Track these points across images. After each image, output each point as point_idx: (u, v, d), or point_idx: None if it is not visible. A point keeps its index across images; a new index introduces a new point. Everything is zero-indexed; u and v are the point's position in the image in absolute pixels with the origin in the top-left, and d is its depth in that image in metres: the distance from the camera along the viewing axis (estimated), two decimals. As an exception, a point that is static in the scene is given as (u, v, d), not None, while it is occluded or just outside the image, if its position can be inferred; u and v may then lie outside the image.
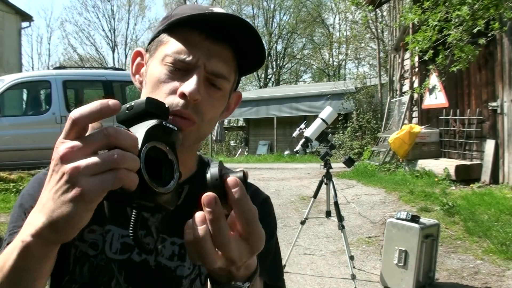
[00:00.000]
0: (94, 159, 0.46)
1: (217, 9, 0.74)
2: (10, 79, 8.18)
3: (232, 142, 21.37)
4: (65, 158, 0.46)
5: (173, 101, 0.72)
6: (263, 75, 32.57)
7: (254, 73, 32.49)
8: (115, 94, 8.51)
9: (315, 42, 31.96)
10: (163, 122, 0.54)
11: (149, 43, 0.81)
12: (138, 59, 0.85)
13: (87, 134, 0.48)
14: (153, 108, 0.55)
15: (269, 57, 32.14)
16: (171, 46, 0.75)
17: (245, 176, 0.52)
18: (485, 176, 6.83)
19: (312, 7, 30.78)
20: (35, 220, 0.48)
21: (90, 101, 0.50)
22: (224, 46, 0.75)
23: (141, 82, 0.82)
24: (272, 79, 32.63)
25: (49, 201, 0.47)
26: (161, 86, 0.74)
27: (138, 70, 0.84)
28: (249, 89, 29.62)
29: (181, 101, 0.72)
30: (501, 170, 6.67)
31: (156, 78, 0.75)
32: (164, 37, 0.77)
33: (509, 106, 6.52)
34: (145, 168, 0.49)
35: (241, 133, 20.80)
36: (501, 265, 3.84)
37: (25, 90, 9.12)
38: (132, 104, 0.54)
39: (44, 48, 71.17)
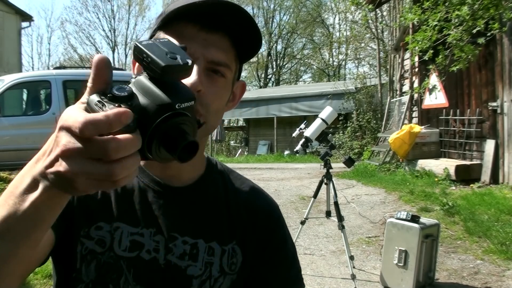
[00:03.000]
0: (91, 168, 0.44)
1: None
2: (10, 79, 8.17)
3: (232, 142, 21.37)
4: (64, 154, 0.44)
5: None
6: (263, 75, 32.57)
7: (254, 73, 32.53)
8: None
9: (315, 42, 31.99)
10: (176, 106, 0.49)
11: None
12: None
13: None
14: (169, 77, 0.50)
15: (269, 57, 32.14)
16: None
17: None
18: (485, 176, 6.83)
19: (312, 7, 30.80)
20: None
21: None
22: (220, 35, 0.74)
23: None
24: (272, 79, 32.64)
25: (45, 175, 0.46)
26: None
27: (139, 71, 0.83)
28: (249, 89, 29.51)
29: None
30: (501, 170, 6.67)
31: None
32: (160, 34, 0.76)
33: (509, 106, 6.52)
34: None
35: (241, 133, 20.80)
36: (501, 265, 3.84)
37: (25, 90, 9.11)
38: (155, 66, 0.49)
39: (44, 48, 70.82)
